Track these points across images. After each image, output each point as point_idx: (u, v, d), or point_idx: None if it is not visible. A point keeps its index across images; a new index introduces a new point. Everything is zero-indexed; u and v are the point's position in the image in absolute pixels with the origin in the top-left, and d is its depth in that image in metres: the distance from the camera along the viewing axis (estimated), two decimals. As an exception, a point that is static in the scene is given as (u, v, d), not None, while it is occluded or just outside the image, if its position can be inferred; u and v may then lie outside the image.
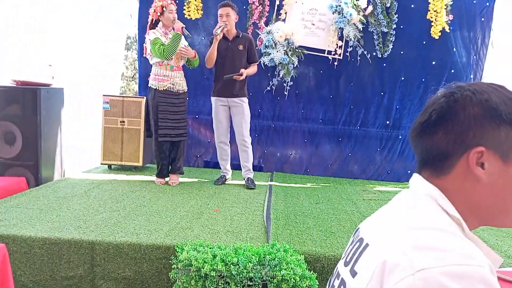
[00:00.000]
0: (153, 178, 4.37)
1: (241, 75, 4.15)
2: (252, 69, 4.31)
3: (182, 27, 4.06)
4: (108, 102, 4.81)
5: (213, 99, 4.37)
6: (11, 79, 4.24)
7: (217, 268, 2.17)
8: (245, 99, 4.32)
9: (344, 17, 4.88)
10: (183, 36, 4.10)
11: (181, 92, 4.21)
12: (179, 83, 4.19)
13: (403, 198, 0.89)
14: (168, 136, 4.15)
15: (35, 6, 5.26)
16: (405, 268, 0.70)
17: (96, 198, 3.62)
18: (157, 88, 4.13)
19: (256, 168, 5.16)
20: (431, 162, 0.85)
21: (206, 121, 5.34)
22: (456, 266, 0.68)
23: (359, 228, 0.97)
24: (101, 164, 4.92)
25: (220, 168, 4.58)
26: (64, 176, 4.63)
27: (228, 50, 4.23)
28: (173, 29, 4.16)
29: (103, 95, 4.86)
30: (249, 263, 2.22)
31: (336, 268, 0.97)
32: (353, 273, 0.84)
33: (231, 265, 2.20)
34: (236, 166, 4.94)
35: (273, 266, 2.22)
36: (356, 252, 0.87)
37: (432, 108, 0.85)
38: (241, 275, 2.16)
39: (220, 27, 4.11)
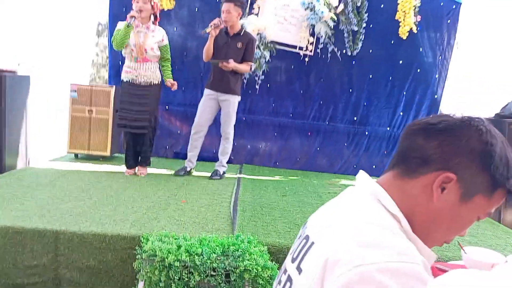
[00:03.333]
0: (121, 168, 4.34)
1: (228, 63, 4.12)
2: (243, 67, 4.26)
3: (128, 15, 3.94)
4: (75, 91, 4.73)
5: (205, 90, 4.39)
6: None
7: (181, 258, 2.21)
8: (236, 97, 4.33)
9: (316, 14, 4.96)
10: (151, 35, 4.07)
11: (145, 84, 4.10)
12: (145, 75, 4.09)
13: (348, 196, 0.94)
14: (127, 127, 4.10)
15: None
16: (343, 264, 0.75)
17: (62, 188, 3.58)
18: (122, 79, 4.12)
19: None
20: (408, 161, 0.88)
21: (177, 112, 5.34)
22: (391, 263, 0.72)
23: (307, 222, 1.02)
24: (68, 153, 4.85)
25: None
26: (28, 164, 4.54)
27: (226, 45, 4.22)
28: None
29: (71, 84, 4.78)
30: (213, 253, 2.27)
31: (284, 263, 0.99)
32: (299, 270, 0.87)
33: (195, 256, 2.24)
34: (206, 157, 4.97)
35: (236, 257, 2.27)
36: (303, 249, 0.90)
37: (445, 118, 0.88)
38: (204, 265, 2.21)
39: (213, 24, 4.10)
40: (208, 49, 4.23)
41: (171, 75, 4.32)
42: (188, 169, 4.48)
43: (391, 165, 0.92)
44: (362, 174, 0.95)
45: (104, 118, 4.75)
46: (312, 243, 0.88)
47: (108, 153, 4.80)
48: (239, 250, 2.32)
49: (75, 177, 4.00)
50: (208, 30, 4.14)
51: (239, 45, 4.22)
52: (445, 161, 0.84)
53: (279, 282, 0.97)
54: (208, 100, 4.35)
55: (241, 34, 4.24)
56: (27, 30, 5.41)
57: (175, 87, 4.33)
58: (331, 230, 0.85)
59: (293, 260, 0.93)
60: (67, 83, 4.86)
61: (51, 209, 3.00)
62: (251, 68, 4.50)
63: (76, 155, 4.88)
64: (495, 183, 0.84)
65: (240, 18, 4.52)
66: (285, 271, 0.95)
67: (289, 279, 0.91)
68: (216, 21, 4.13)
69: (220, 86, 4.26)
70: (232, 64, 4.13)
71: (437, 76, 5.22)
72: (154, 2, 4.07)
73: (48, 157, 4.82)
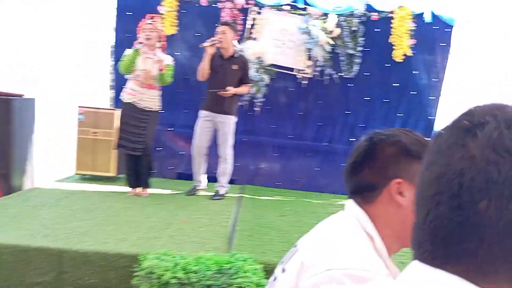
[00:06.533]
0: (125, 188, 4.48)
1: (227, 91, 4.28)
2: (242, 89, 4.45)
3: (136, 42, 4.17)
4: (82, 114, 4.91)
5: (201, 112, 4.50)
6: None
7: (178, 275, 2.32)
8: (233, 117, 4.46)
9: (313, 38, 5.14)
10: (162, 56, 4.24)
11: (147, 109, 4.25)
12: (147, 100, 4.24)
13: (336, 217, 1.08)
14: (125, 148, 4.26)
15: (15, 16, 5.33)
16: (316, 268, 0.89)
17: (67, 208, 3.71)
18: (124, 100, 4.28)
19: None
20: (360, 193, 1.03)
21: (180, 133, 5.48)
22: (357, 271, 0.86)
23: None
24: (75, 174, 5.00)
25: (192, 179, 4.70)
26: (34, 185, 4.68)
27: (222, 67, 4.36)
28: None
29: (79, 107, 4.96)
30: (209, 271, 2.37)
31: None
32: (283, 270, 1.02)
33: (191, 273, 2.35)
34: (211, 178, 5.09)
35: (230, 274, 2.38)
36: (290, 254, 1.06)
37: (357, 151, 1.04)
38: (200, 283, 2.32)
39: (211, 40, 4.26)
40: (203, 68, 4.35)
41: (163, 78, 4.22)
42: (198, 188, 4.60)
43: (351, 196, 1.06)
44: (350, 202, 1.08)
45: (108, 140, 4.90)
46: (297, 250, 1.04)
47: (112, 174, 4.94)
48: (234, 268, 2.42)
49: (80, 197, 4.14)
50: (206, 44, 4.28)
51: (235, 67, 4.38)
52: (384, 176, 0.99)
53: (269, 283, 1.11)
54: (204, 122, 4.47)
55: (235, 56, 4.42)
56: (37, 53, 5.62)
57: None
58: (314, 241, 1.01)
59: (281, 263, 1.08)
60: (76, 106, 5.04)
61: (56, 228, 3.13)
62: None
63: (82, 176, 5.03)
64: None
65: (238, 42, 4.71)
66: (274, 273, 1.10)
67: (275, 278, 1.06)
68: (214, 38, 4.30)
69: (216, 107, 4.38)
70: (231, 90, 4.28)
71: (431, 97, 5.36)
72: (159, 30, 4.27)
73: (55, 178, 4.96)
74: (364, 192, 1.02)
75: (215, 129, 4.51)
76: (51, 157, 5.28)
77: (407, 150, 0.98)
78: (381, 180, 0.99)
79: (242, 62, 4.43)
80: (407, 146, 0.99)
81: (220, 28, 4.34)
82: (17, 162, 4.31)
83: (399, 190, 0.98)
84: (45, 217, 3.38)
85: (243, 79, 4.43)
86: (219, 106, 4.37)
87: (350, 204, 1.06)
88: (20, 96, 4.51)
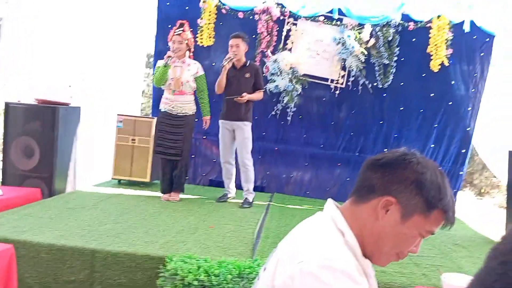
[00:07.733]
0: (158, 193, 4.64)
1: (242, 97, 4.42)
2: (256, 95, 4.57)
3: (165, 56, 4.34)
4: (121, 121, 5.15)
5: (219, 121, 4.66)
6: (33, 98, 4.62)
7: (200, 278, 2.40)
8: (248, 123, 4.58)
9: (347, 48, 5.15)
10: (186, 69, 4.44)
11: (181, 115, 4.44)
12: (181, 106, 4.43)
13: (314, 217, 1.14)
14: (162, 154, 4.45)
15: (55, 30, 5.69)
16: (289, 261, 0.98)
17: (103, 210, 3.90)
18: (160, 109, 4.50)
19: (258, 188, 5.36)
20: (360, 190, 1.09)
21: (213, 142, 5.61)
22: (328, 262, 0.93)
23: None
24: (112, 178, 5.23)
25: (224, 187, 4.83)
26: (76, 188, 4.94)
27: (235, 77, 4.52)
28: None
29: (118, 114, 5.20)
30: (229, 275, 2.44)
31: None
32: (264, 269, 1.11)
33: (213, 276, 2.42)
34: (239, 186, 5.19)
35: (251, 279, 2.43)
36: (271, 255, 1.13)
37: (388, 154, 1.09)
38: (221, 286, 2.39)
39: (228, 58, 4.44)
40: (221, 82, 4.51)
41: (208, 109, 4.62)
42: (229, 195, 4.76)
43: (350, 194, 1.12)
44: (329, 202, 1.14)
45: (145, 147, 5.11)
46: (276, 248, 1.12)
47: (148, 179, 5.14)
48: (254, 273, 2.47)
49: (116, 201, 4.33)
50: (226, 63, 4.45)
51: (247, 75, 4.53)
52: (387, 188, 1.03)
53: (254, 283, 1.20)
54: (224, 131, 4.62)
55: (247, 65, 4.56)
56: (80, 63, 5.93)
57: (206, 126, 4.67)
58: (289, 239, 1.10)
59: (264, 264, 1.16)
60: (115, 114, 5.29)
61: (91, 229, 3.30)
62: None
63: (119, 181, 5.25)
64: (429, 204, 1.02)
65: (273, 53, 4.80)
66: (258, 274, 1.19)
67: (258, 276, 1.15)
68: (230, 54, 4.46)
69: (232, 115, 4.53)
70: (246, 96, 4.42)
71: (469, 108, 5.21)
72: (187, 39, 4.45)
73: (94, 182, 5.22)
74: (363, 191, 1.07)
75: (234, 136, 4.62)
76: (92, 163, 5.54)
77: (422, 186, 1.01)
78: (381, 189, 1.04)
79: (254, 69, 4.57)
80: (426, 183, 1.01)
81: (233, 42, 4.47)
82: (60, 167, 4.57)
83: (387, 207, 1.03)
84: (82, 219, 3.57)
85: (256, 86, 4.56)
86: (235, 113, 4.51)
87: (328, 205, 1.13)
88: (66, 104, 4.78)
